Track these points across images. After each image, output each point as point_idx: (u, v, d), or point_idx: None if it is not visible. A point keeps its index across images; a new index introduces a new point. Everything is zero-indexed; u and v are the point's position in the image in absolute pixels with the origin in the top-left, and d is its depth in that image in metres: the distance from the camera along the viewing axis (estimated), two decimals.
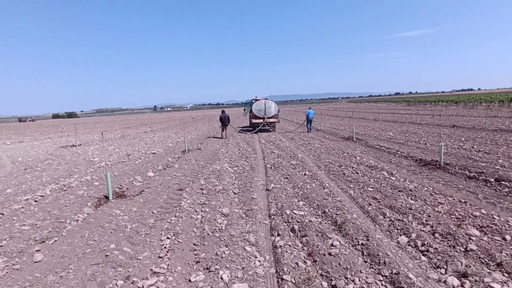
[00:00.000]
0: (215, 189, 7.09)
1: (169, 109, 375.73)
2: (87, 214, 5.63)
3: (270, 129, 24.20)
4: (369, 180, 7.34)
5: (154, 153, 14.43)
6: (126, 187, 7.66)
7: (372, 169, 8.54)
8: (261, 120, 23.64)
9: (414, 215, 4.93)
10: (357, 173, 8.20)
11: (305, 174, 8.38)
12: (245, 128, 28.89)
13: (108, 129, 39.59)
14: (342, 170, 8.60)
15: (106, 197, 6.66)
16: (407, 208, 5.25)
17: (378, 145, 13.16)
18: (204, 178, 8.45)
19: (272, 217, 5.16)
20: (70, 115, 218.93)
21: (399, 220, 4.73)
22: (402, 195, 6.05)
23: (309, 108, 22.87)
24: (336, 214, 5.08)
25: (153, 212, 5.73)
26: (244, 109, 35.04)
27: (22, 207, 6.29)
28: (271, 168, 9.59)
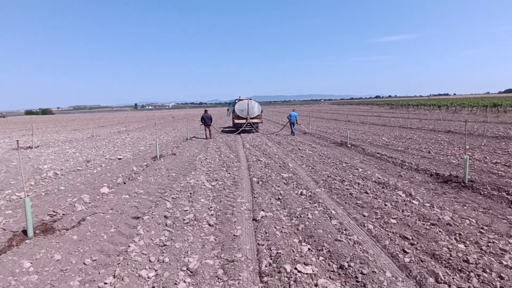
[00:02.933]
0: (184, 219, 5.20)
1: (150, 107, 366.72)
2: None
3: (253, 130, 22.79)
4: (386, 205, 5.69)
5: (120, 158, 12.31)
6: (63, 212, 5.63)
7: (383, 187, 6.91)
8: (244, 121, 22.63)
9: (478, 275, 3.27)
10: (367, 192, 6.54)
11: (301, 194, 6.64)
12: (227, 129, 27.29)
13: (80, 127, 36.54)
14: (346, 188, 6.92)
15: (26, 233, 4.64)
16: (461, 260, 3.60)
17: (377, 153, 11.65)
18: (173, 198, 6.53)
19: (265, 278, 3.36)
20: (45, 111, 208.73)
21: None
22: (440, 232, 4.41)
23: (293, 110, 21.66)
24: (362, 273, 3.35)
25: (84, 264, 3.79)
26: (228, 109, 33.22)
27: None
28: (258, 183, 7.79)
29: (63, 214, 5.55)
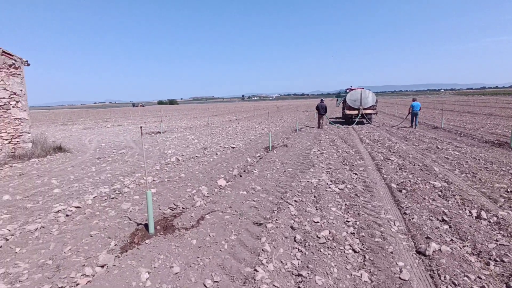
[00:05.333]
0: (318, 236, 4.02)
1: (255, 98, 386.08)
2: (102, 267, 3.28)
3: (365, 121, 20.53)
4: None
5: (233, 147, 12.21)
6: (183, 206, 5.25)
7: None
8: (356, 112, 20.75)
9: None
10: None
11: (479, 217, 4.59)
12: (335, 120, 25.37)
13: (198, 116, 40.40)
14: None
15: (146, 226, 4.30)
16: None
17: None
18: (295, 202, 5.47)
19: None
20: (172, 102, 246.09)
21: None
22: None
23: (414, 100, 18.64)
24: None
25: (204, 286, 3.04)
26: (337, 100, 30.95)
27: (37, 235, 4.40)
28: (400, 191, 6.01)
29: (183, 208, 5.16)
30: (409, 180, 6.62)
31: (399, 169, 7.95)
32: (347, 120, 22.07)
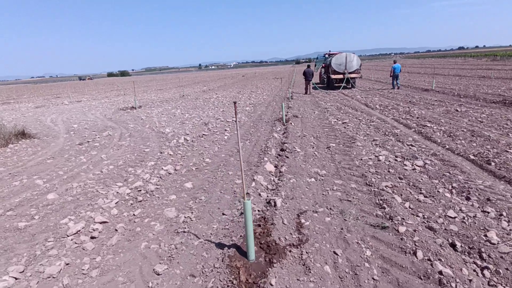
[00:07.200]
0: (489, 241, 2.95)
1: (213, 67, 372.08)
2: None
3: (348, 86, 20.43)
4: None
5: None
6: (258, 209, 3.84)
7: None
8: (341, 76, 20.33)
9: None
10: None
11: None
12: (318, 85, 24.52)
13: (162, 87, 37.07)
14: None
15: (237, 249, 2.90)
16: None
17: None
18: (389, 187, 4.35)
19: None
20: (123, 73, 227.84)
21: None
22: None
23: (395, 62, 18.76)
24: None
25: None
26: (316, 65, 29.88)
27: (66, 283, 2.79)
28: (488, 164, 5.11)
29: (259, 211, 3.77)
30: (488, 150, 5.81)
31: (449, 136, 7.17)
32: (331, 84, 21.45)
